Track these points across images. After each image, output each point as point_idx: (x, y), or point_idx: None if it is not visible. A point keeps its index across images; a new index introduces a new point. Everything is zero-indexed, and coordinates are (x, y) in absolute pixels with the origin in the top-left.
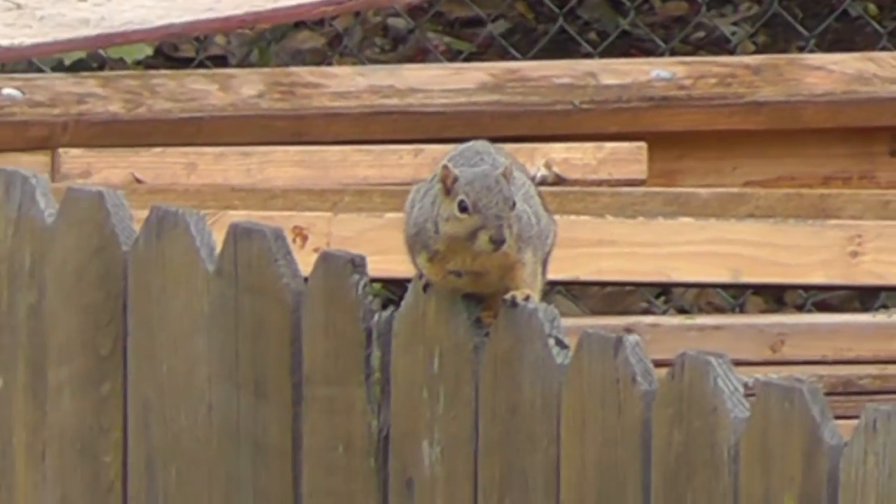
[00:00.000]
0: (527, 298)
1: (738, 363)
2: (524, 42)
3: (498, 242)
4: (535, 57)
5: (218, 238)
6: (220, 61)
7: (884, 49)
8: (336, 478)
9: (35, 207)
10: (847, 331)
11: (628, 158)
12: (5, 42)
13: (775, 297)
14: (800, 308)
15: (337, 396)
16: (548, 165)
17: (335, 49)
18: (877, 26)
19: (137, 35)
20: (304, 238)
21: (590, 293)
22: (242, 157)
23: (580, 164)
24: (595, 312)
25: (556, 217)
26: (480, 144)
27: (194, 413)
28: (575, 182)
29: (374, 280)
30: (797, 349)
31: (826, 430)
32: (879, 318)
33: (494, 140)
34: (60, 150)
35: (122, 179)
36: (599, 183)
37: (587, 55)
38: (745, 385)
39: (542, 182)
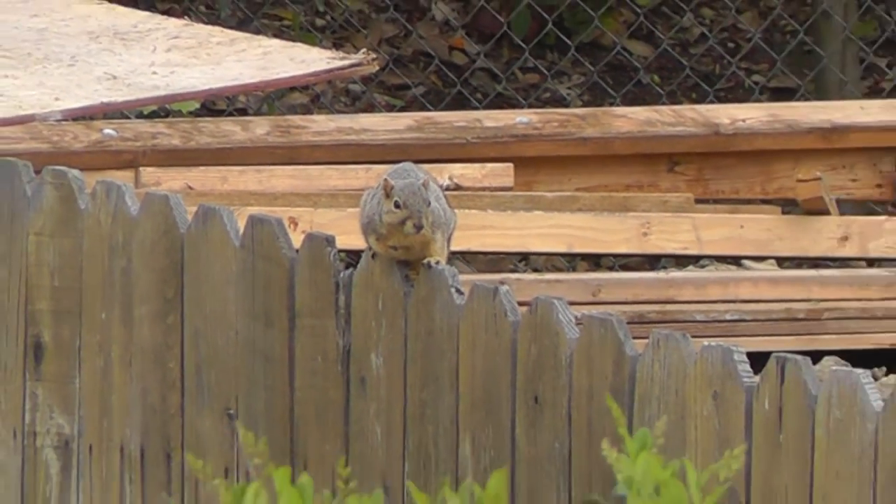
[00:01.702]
0: (437, 263)
1: (571, 303)
2: (436, 100)
3: (418, 227)
4: (442, 109)
5: (240, 225)
6: (242, 112)
7: (663, 104)
8: (317, 377)
9: (125, 205)
10: (641, 282)
11: (501, 174)
12: (106, 99)
13: (595, 261)
14: (611, 268)
15: (317, 325)
16: (451, 178)
17: (315, 104)
18: (659, 90)
19: (189, 95)
20: (296, 225)
21: (477, 259)
22: (256, 172)
23: (471, 178)
24: (480, 271)
25: (456, 211)
26: (408, 165)
27: (226, 336)
28: (468, 189)
29: (340, 251)
30: (609, 295)
31: (627, 346)
32: (661, 274)
33: (417, 162)
34: (140, 169)
35: (180, 187)
36: (483, 189)
37: (475, 108)
38: (576, 317)
39: (447, 189)
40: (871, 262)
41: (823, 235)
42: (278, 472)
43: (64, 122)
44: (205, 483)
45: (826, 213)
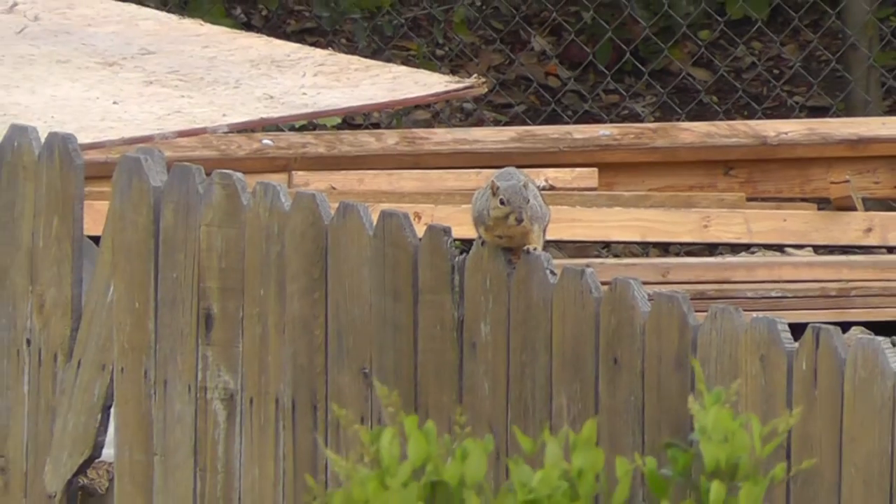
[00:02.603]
0: (535, 249)
1: (644, 283)
2: (534, 116)
3: (519, 220)
4: (539, 123)
5: (374, 218)
6: (375, 126)
7: (720, 120)
8: (436, 342)
9: (279, 202)
10: (702, 266)
11: (587, 177)
12: (264, 115)
13: (664, 248)
14: (677, 254)
15: (436, 300)
16: (546, 180)
17: (435, 119)
18: (717, 108)
19: (332, 112)
20: (419, 218)
21: (567, 247)
22: (387, 176)
23: (562, 180)
24: (570, 257)
25: (550, 207)
26: (511, 169)
27: (361, 309)
28: (560, 189)
29: (455, 239)
30: (675, 276)
31: (690, 318)
32: (718, 259)
33: (518, 167)
34: (292, 173)
35: (325, 188)
36: (572, 189)
37: (566, 123)
38: (649, 295)
39: (543, 189)
40: (891, 249)
41: (851, 227)
42: (408, 419)
43: (230, 134)
44: (346, 428)
45: (853, 209)
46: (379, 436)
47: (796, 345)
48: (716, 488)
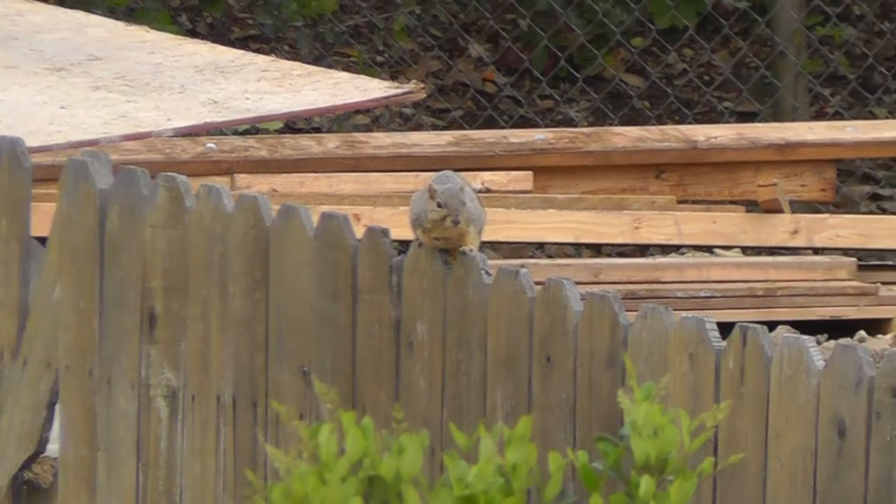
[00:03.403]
0: (471, 250)
1: (577, 283)
2: (471, 121)
3: (455, 222)
4: (476, 128)
5: (314, 220)
6: (317, 130)
7: (652, 125)
8: (374, 341)
9: (222, 204)
10: (633, 266)
11: (522, 180)
12: (208, 120)
13: (596, 250)
14: (609, 255)
15: (374, 299)
16: (482, 183)
17: (375, 124)
18: (649, 113)
19: (275, 117)
20: (359, 220)
21: (502, 248)
22: (327, 178)
23: (498, 183)
24: (505, 257)
25: (486, 209)
26: (448, 172)
27: (302, 308)
28: (496, 191)
29: (393, 241)
30: (607, 277)
31: (621, 317)
32: (649, 260)
33: (455, 170)
34: (235, 175)
35: (267, 190)
36: (508, 192)
37: (502, 127)
38: (582, 294)
39: (479, 191)
40: (816, 251)
41: (778, 229)
42: (346, 415)
43: (175, 138)
44: (286, 424)
45: (780, 211)
46: (317, 432)
47: (724, 343)
48: (645, 483)
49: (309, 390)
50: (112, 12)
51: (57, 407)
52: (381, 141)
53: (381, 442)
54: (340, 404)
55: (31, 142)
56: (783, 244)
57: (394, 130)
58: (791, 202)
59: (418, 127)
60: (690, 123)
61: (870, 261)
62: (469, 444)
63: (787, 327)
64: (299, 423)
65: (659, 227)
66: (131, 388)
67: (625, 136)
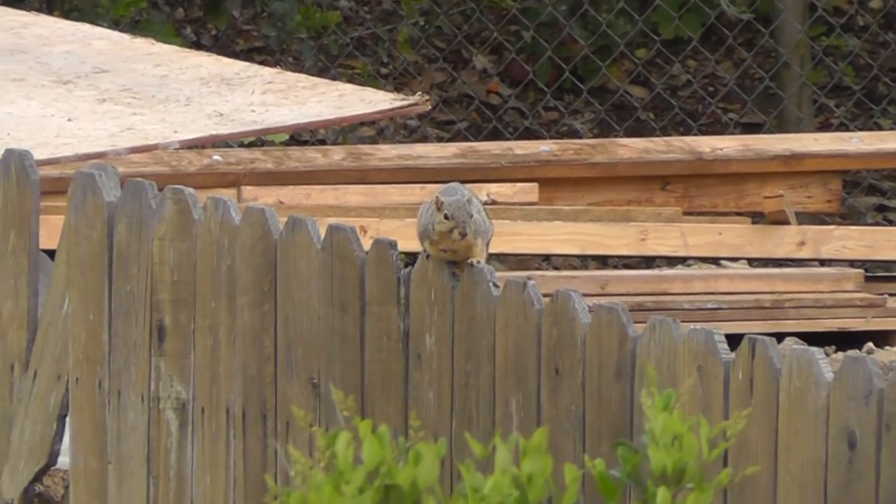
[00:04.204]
0: (478, 262)
1: (584, 295)
2: (476, 132)
3: (463, 234)
4: (481, 140)
5: (321, 232)
6: (322, 142)
7: (657, 136)
8: (382, 353)
9: (230, 216)
10: (640, 278)
11: (528, 192)
12: (214, 132)
13: (603, 261)
14: (615, 267)
15: (382, 311)
16: (488, 195)
17: (380, 136)
18: (654, 125)
19: (281, 129)
20: (365, 232)
21: (509, 259)
22: (333, 190)
23: (504, 195)
24: (512, 269)
25: (494, 221)
26: (456, 184)
27: (310, 320)
28: (501, 203)
29: (401, 253)
30: (614, 288)
31: (629, 329)
32: (655, 272)
33: (461, 182)
34: (242, 188)
35: (273, 202)
36: (514, 204)
37: (507, 139)
38: (589, 307)
39: (486, 203)
40: (823, 262)
41: (785, 241)
42: (362, 423)
43: (181, 150)
44: (303, 430)
45: (787, 223)
46: (335, 439)
47: (733, 355)
48: (661, 495)
49: (318, 403)
50: (117, 25)
51: (67, 419)
52: (387, 153)
53: (398, 450)
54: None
55: (38, 154)
56: (790, 256)
57: (399, 142)
58: (797, 214)
59: (423, 139)
60: (695, 135)
61: (877, 272)
62: (485, 453)
63: (795, 339)
64: (318, 429)
65: (665, 238)
66: (141, 401)
67: (630, 148)
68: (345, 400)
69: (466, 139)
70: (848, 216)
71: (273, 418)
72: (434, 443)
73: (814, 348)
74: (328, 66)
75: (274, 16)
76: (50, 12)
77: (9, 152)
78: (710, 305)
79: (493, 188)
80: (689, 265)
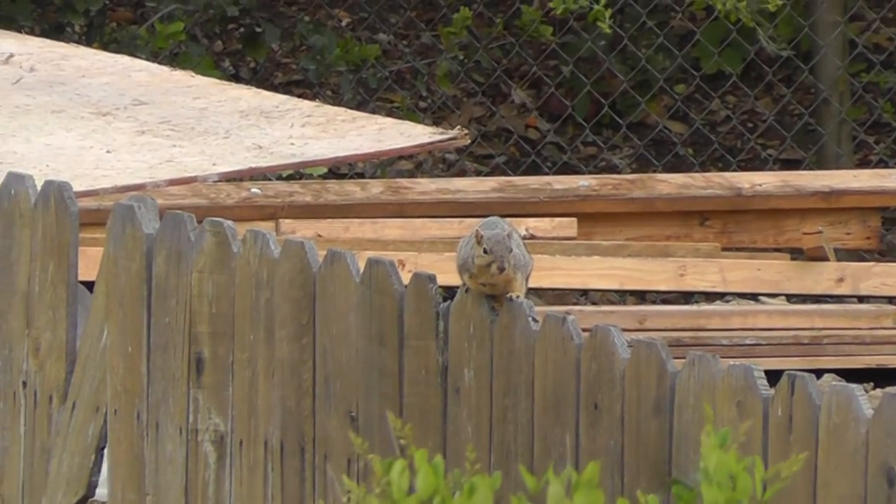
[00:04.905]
0: (517, 297)
1: (624, 330)
2: (514, 167)
3: (502, 269)
4: (520, 174)
5: (360, 265)
6: (360, 175)
7: (696, 172)
8: (420, 387)
9: (269, 249)
10: (678, 314)
11: (567, 226)
12: (253, 165)
13: (641, 296)
14: (654, 302)
15: (421, 345)
16: (527, 229)
17: (419, 169)
18: (693, 160)
19: (319, 162)
20: (403, 266)
21: (548, 294)
22: (372, 224)
23: (543, 229)
24: (550, 304)
25: (533, 256)
26: (495, 218)
27: (348, 354)
28: (540, 238)
29: (439, 286)
30: (653, 324)
31: (668, 365)
32: (694, 307)
33: (500, 216)
34: (280, 220)
35: (312, 235)
36: (552, 238)
37: (546, 174)
38: (628, 342)
39: (524, 237)
40: (862, 299)
41: (824, 277)
42: (418, 452)
43: (219, 183)
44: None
45: (826, 259)
46: (390, 467)
47: (772, 391)
48: None
49: (357, 435)
50: (156, 57)
51: (105, 451)
52: (426, 187)
53: (452, 482)
54: (386, 452)
55: (77, 186)
56: (828, 292)
57: (437, 176)
58: (836, 250)
59: (461, 173)
60: (734, 171)
61: None
62: (538, 487)
63: (834, 375)
64: (374, 456)
65: (703, 274)
66: (179, 433)
67: (668, 183)
68: (402, 428)
69: (505, 173)
70: (887, 253)
71: (311, 451)
72: (497, 473)
73: (853, 385)
74: (367, 99)
75: (313, 49)
76: (89, 44)
77: (48, 184)
78: (748, 341)
79: (532, 223)
80: (727, 301)
